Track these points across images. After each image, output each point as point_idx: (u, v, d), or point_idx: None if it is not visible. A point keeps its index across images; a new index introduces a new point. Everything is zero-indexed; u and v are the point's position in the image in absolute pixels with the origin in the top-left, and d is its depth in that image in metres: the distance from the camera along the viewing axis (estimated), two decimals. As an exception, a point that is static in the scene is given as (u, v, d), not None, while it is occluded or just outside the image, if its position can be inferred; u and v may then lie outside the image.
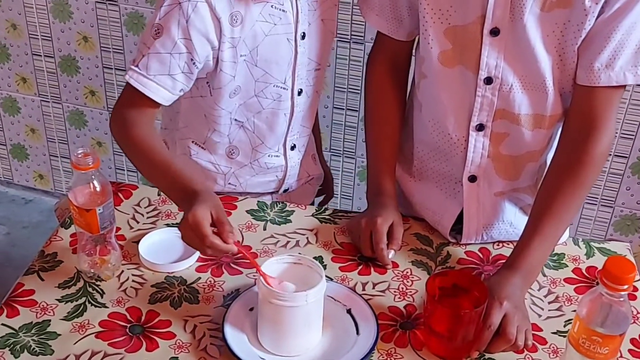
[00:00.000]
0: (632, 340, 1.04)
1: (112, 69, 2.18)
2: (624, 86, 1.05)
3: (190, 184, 1.07)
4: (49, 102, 2.31)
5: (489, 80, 1.09)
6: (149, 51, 1.10)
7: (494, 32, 1.05)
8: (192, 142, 1.28)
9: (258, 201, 1.28)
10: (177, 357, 0.98)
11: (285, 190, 1.37)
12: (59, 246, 1.16)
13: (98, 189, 1.03)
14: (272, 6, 1.14)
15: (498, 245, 1.21)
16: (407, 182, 1.27)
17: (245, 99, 1.21)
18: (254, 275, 1.10)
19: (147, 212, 1.24)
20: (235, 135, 1.26)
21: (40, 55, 2.22)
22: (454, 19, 1.07)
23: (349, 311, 1.04)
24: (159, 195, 1.28)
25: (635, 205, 1.98)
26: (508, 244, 1.19)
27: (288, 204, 1.28)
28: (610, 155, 1.91)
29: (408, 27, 1.17)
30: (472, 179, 1.18)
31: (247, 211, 1.25)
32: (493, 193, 1.20)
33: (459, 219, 1.21)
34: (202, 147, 1.28)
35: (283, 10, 1.15)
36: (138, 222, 1.22)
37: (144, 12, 2.06)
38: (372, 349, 0.98)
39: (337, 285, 1.08)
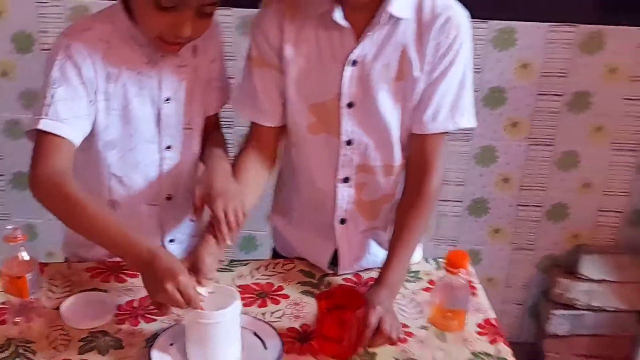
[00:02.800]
0: (479, 325, 1.32)
1: None
2: (446, 133, 1.37)
3: (146, 246, 1.16)
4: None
5: (349, 142, 1.36)
6: (52, 100, 1.24)
7: (350, 105, 1.33)
8: None
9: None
10: (114, 392, 1.13)
11: (171, 241, 1.50)
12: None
13: (27, 259, 1.19)
14: (140, 72, 1.33)
15: (367, 271, 1.47)
16: (289, 232, 1.52)
17: (121, 152, 1.36)
18: (167, 320, 1.28)
19: (62, 284, 1.39)
20: (115, 191, 1.39)
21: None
22: (315, 98, 1.35)
23: (255, 333, 1.24)
24: (69, 268, 1.43)
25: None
26: (375, 270, 1.46)
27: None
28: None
29: (278, 113, 1.38)
30: (342, 221, 1.44)
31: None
32: (359, 232, 1.46)
33: (334, 255, 1.47)
34: None
35: (149, 77, 1.34)
36: (54, 293, 1.36)
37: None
38: (280, 356, 1.19)
39: (243, 316, 1.28)
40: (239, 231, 1.30)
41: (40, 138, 1.26)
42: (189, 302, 1.13)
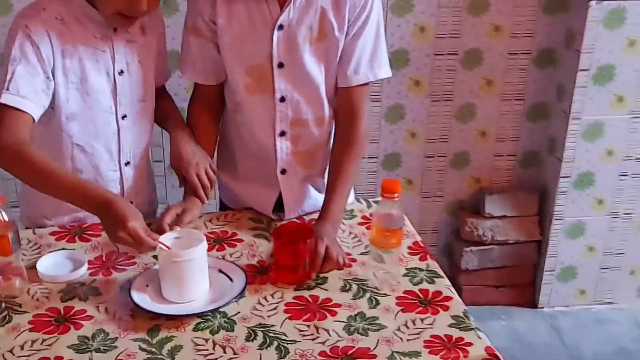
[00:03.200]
0: (409, 247, 1.54)
1: None
2: (368, 84, 1.57)
3: (100, 195, 1.32)
4: None
5: (282, 99, 1.54)
6: (13, 77, 1.37)
7: (280, 65, 1.51)
8: None
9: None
10: (102, 328, 1.26)
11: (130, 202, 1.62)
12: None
13: (6, 219, 1.29)
14: (94, 47, 1.47)
15: (308, 215, 1.66)
16: (235, 185, 1.69)
17: (82, 124, 1.49)
18: (136, 269, 1.42)
19: (30, 247, 1.50)
20: (77, 159, 1.52)
21: None
22: (249, 61, 1.51)
23: (220, 270, 1.40)
24: (34, 233, 1.54)
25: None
26: (315, 212, 1.64)
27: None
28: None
29: (215, 74, 1.56)
30: (283, 171, 1.62)
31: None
32: (299, 180, 1.64)
33: (278, 203, 1.64)
34: None
35: (103, 51, 1.49)
36: (26, 255, 1.46)
37: None
38: (245, 287, 1.35)
39: (208, 257, 1.42)
40: (212, 188, 1.54)
41: (2, 112, 1.38)
42: (140, 245, 1.28)
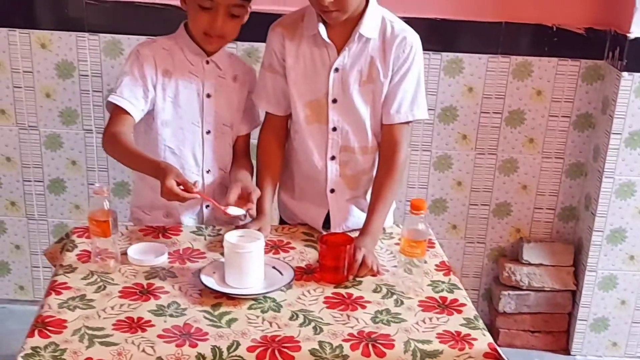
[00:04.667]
0: (436, 265, 1.80)
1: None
2: (408, 122, 1.87)
3: (157, 164, 1.70)
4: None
5: (334, 129, 1.86)
6: (121, 85, 1.79)
7: (334, 100, 1.84)
8: None
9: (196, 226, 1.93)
10: (175, 300, 1.57)
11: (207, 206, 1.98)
12: (71, 260, 1.71)
13: (108, 207, 1.64)
14: (189, 71, 1.86)
15: (352, 232, 1.93)
16: (292, 203, 2.00)
17: (173, 130, 1.87)
18: (212, 258, 1.73)
19: (123, 239, 1.83)
20: (168, 160, 1.85)
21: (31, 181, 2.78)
22: (309, 96, 1.85)
23: (273, 267, 1.70)
24: (127, 229, 1.88)
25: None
26: (358, 230, 1.91)
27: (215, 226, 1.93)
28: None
29: (284, 106, 1.90)
30: (332, 191, 1.92)
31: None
32: (345, 199, 1.94)
33: (327, 220, 1.94)
34: None
35: (196, 76, 1.87)
36: (119, 244, 1.79)
37: (60, 133, 2.68)
38: (292, 280, 1.64)
39: (264, 256, 1.71)
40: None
41: (112, 110, 1.81)
42: (177, 197, 1.63)
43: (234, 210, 1.75)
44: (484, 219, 2.89)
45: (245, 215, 1.85)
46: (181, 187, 1.64)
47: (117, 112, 1.80)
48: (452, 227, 2.90)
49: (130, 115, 1.80)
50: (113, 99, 1.80)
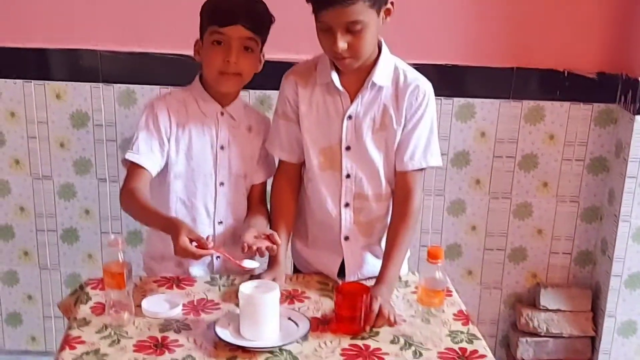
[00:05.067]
0: (454, 314, 1.77)
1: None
2: (422, 169, 1.86)
3: (169, 220, 1.69)
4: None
5: (348, 176, 1.86)
6: (137, 140, 1.79)
7: (347, 148, 1.84)
8: None
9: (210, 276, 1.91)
10: (190, 354, 1.55)
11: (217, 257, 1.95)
12: (85, 312, 1.70)
13: (123, 259, 1.63)
14: (202, 123, 1.86)
15: (367, 280, 1.92)
16: (306, 251, 1.98)
17: (185, 182, 1.87)
18: (227, 309, 1.71)
19: (137, 291, 1.81)
20: (179, 211, 1.88)
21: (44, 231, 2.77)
22: (323, 143, 1.85)
23: (289, 318, 1.67)
24: (140, 280, 1.87)
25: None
26: (373, 278, 1.90)
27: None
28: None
29: (298, 154, 1.90)
30: (346, 238, 1.91)
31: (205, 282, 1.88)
32: (359, 247, 1.93)
33: (341, 268, 1.92)
34: None
35: (209, 127, 1.87)
36: (133, 296, 1.78)
37: (74, 182, 2.69)
38: (308, 331, 1.62)
39: (280, 307, 1.70)
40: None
41: (128, 166, 1.81)
42: (191, 255, 1.61)
43: (249, 264, 1.73)
44: (500, 264, 2.86)
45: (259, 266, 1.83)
46: (194, 243, 1.63)
47: (133, 168, 1.81)
48: (467, 272, 2.87)
49: (147, 170, 1.81)
50: (129, 156, 1.80)
